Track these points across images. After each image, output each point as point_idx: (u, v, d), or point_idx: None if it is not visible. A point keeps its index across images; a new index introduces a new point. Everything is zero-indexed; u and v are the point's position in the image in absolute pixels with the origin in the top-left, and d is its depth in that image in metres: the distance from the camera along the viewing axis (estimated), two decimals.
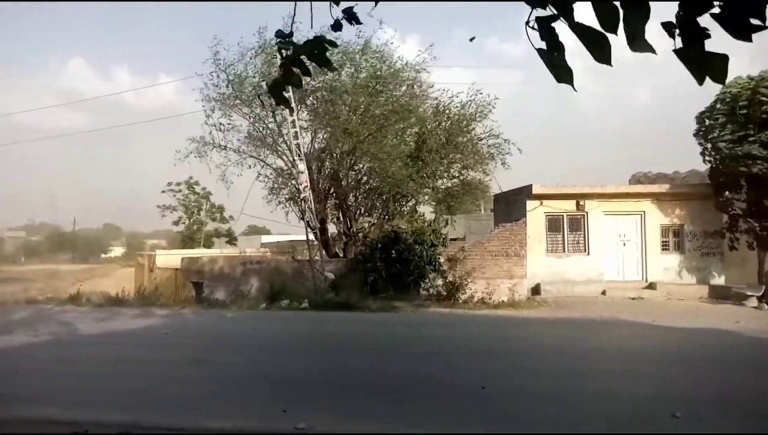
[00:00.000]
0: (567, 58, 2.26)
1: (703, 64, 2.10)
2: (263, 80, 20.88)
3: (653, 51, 2.09)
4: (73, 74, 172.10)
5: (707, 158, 18.81)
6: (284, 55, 2.95)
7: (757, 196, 17.27)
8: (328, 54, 2.95)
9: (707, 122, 18.55)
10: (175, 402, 6.85)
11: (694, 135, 19.17)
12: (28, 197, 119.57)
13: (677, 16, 2.09)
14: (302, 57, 2.90)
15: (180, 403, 6.83)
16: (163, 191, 47.62)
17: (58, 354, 10.12)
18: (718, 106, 18.06)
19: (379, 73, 20.55)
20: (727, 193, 18.13)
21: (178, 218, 48.18)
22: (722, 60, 2.08)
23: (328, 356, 9.93)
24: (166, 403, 6.80)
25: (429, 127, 22.08)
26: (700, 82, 2.12)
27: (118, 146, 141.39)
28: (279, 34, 2.94)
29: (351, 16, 2.94)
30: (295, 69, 2.94)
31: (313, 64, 3.00)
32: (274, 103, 18.73)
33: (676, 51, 2.10)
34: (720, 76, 2.09)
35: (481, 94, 21.91)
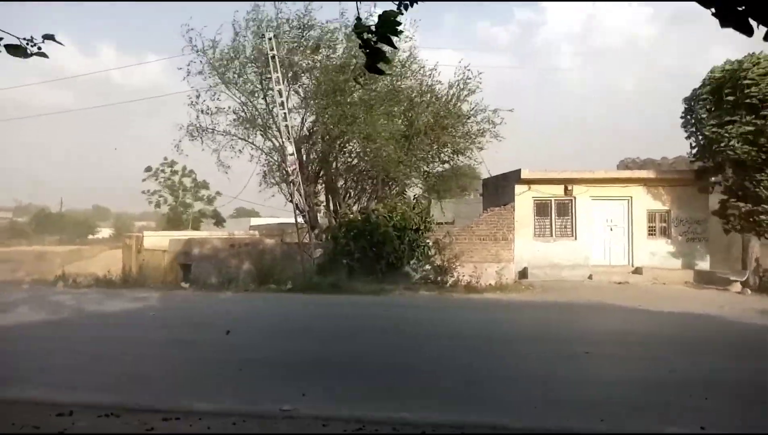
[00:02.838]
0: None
1: None
2: (253, 59, 20.67)
3: None
4: (59, 52, 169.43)
5: (692, 143, 18.96)
6: (365, 38, 3.15)
7: (742, 179, 17.41)
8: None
9: (693, 106, 18.64)
10: (161, 383, 6.86)
11: (681, 118, 19.27)
12: (14, 177, 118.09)
13: None
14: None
15: (166, 384, 6.84)
16: (144, 180, 47.21)
17: (42, 335, 10.08)
18: (703, 90, 18.10)
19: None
20: (712, 178, 18.25)
21: (159, 199, 47.77)
22: None
23: (313, 339, 9.95)
24: (151, 384, 6.80)
25: (417, 108, 21.95)
26: None
27: (107, 126, 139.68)
28: (357, 25, 3.19)
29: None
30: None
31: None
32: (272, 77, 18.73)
33: None
34: None
35: (469, 70, 21.78)
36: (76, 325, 11.25)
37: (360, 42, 3.19)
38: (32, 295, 15.04)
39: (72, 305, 13.24)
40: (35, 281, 19.30)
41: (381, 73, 3.45)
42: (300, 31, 20.64)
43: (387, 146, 19.58)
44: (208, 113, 21.43)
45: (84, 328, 10.89)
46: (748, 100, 16.87)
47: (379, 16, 3.08)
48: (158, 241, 26.42)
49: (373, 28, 3.10)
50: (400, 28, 3.12)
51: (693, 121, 18.67)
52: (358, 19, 3.33)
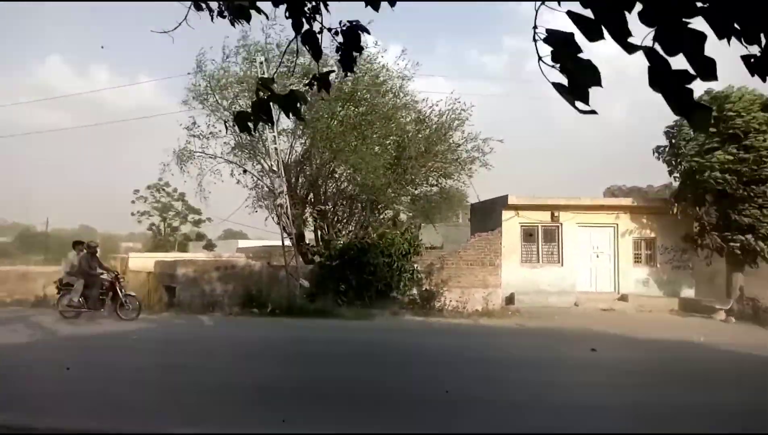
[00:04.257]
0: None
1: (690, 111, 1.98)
2: (243, 83, 20.84)
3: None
4: (50, 72, 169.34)
5: (675, 174, 19.22)
6: (260, 96, 3.01)
7: (724, 209, 17.65)
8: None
9: (673, 139, 18.95)
10: (141, 408, 6.74)
11: (659, 151, 19.51)
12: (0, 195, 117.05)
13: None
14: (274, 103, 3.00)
15: (146, 408, 6.72)
16: (133, 201, 47.28)
17: (19, 357, 9.87)
18: (684, 122, 18.41)
19: (360, 78, 20.50)
20: (697, 208, 18.45)
21: (150, 225, 47.76)
22: (706, 112, 1.98)
23: (298, 364, 9.86)
24: (131, 409, 6.67)
25: (409, 135, 22.08)
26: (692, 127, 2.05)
27: (95, 146, 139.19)
28: (263, 80, 3.05)
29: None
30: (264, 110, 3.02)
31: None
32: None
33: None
34: (703, 126, 2.00)
35: (459, 102, 21.96)
36: (56, 347, 11.05)
37: (256, 96, 3.02)
38: (11, 316, 14.76)
39: (52, 327, 13.01)
40: (16, 302, 19.00)
41: (246, 129, 3.16)
42: (289, 55, 20.77)
43: (375, 172, 19.62)
44: (200, 137, 21.52)
45: (63, 350, 10.69)
46: (731, 131, 17.19)
47: (289, 93, 2.96)
48: (144, 262, 26.21)
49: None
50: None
51: (675, 151, 18.96)
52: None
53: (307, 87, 3.50)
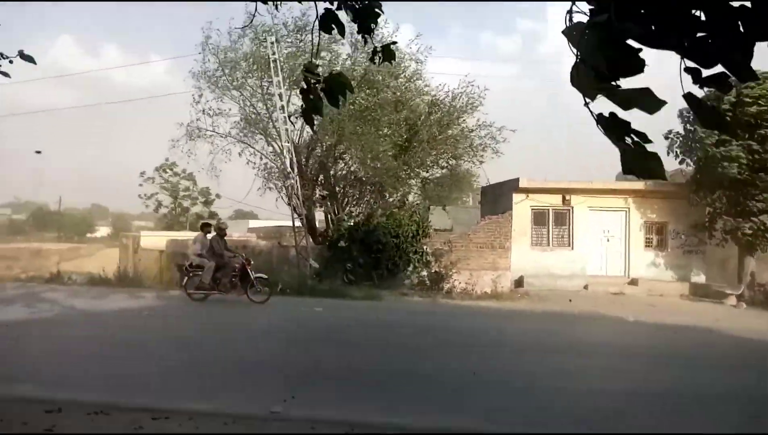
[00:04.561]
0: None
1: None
2: (253, 63, 20.76)
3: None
4: (61, 51, 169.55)
5: (688, 159, 18.97)
6: (310, 83, 3.04)
7: (736, 196, 17.47)
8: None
9: (688, 125, 18.65)
10: (152, 383, 6.84)
11: (671, 137, 19.20)
12: (13, 174, 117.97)
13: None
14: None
15: (156, 383, 6.82)
16: (140, 184, 47.61)
17: (34, 332, 10.04)
18: None
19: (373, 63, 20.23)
20: (711, 194, 18.24)
21: (157, 204, 48.04)
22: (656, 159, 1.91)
23: (308, 344, 9.95)
24: (142, 383, 6.77)
25: (422, 118, 21.90)
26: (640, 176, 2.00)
27: (107, 125, 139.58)
28: (307, 66, 3.09)
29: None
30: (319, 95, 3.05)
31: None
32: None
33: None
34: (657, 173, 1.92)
35: (473, 85, 21.68)
36: (70, 323, 11.21)
37: (304, 84, 3.04)
38: (26, 292, 14.97)
39: (66, 303, 13.19)
40: (30, 278, 19.25)
41: (312, 123, 3.44)
42: (297, 34, 20.61)
43: (382, 156, 19.54)
44: (209, 114, 21.43)
45: (77, 326, 10.85)
46: (746, 119, 16.91)
47: (330, 74, 3.00)
48: (156, 241, 26.46)
49: (322, 76, 3.00)
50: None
51: (691, 137, 18.66)
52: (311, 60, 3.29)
53: (371, 61, 3.61)
